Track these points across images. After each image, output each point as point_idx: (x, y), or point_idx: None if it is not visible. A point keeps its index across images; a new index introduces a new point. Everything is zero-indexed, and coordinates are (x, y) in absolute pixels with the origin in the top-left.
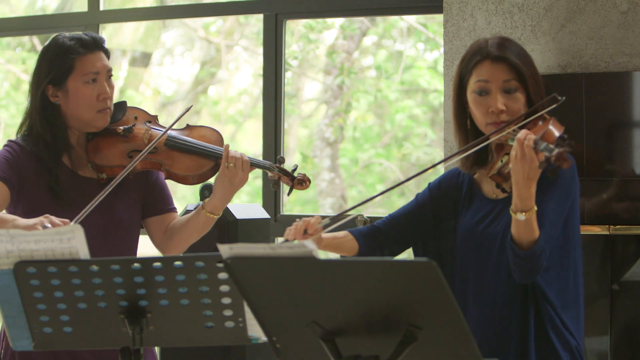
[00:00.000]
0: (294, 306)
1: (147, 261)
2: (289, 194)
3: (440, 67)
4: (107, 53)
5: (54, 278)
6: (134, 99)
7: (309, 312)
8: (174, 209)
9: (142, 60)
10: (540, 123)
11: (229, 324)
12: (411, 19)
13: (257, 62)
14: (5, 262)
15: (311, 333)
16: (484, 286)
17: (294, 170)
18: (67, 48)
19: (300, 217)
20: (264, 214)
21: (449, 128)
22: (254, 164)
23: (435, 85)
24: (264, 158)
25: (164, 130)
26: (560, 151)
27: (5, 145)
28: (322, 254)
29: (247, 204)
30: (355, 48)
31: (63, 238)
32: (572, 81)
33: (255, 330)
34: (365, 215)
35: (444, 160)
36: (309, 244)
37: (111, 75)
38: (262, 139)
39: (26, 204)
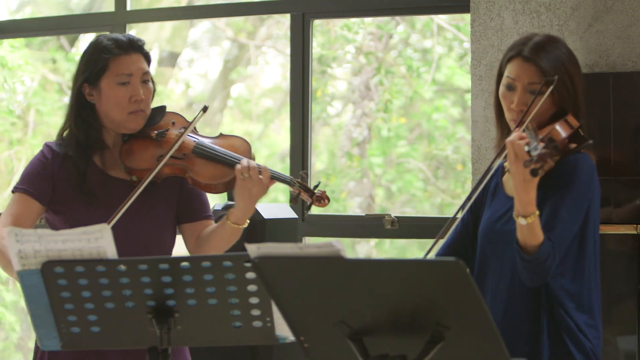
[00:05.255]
0: (321, 306)
1: (175, 261)
2: (307, 210)
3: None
4: (146, 56)
5: (81, 278)
6: (161, 94)
7: (336, 311)
8: (209, 217)
9: (169, 60)
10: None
11: (257, 323)
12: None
13: (286, 61)
14: (33, 262)
15: (339, 332)
16: (501, 285)
17: (316, 187)
18: (102, 48)
19: (326, 217)
20: (292, 214)
21: (477, 127)
22: (275, 177)
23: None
24: (291, 158)
25: (196, 137)
26: (541, 152)
27: (39, 152)
28: (348, 249)
29: (274, 203)
30: (384, 48)
31: (91, 238)
32: (599, 81)
33: (283, 330)
34: (393, 215)
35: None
36: (337, 244)
37: (148, 80)
38: (290, 137)
39: (57, 205)
